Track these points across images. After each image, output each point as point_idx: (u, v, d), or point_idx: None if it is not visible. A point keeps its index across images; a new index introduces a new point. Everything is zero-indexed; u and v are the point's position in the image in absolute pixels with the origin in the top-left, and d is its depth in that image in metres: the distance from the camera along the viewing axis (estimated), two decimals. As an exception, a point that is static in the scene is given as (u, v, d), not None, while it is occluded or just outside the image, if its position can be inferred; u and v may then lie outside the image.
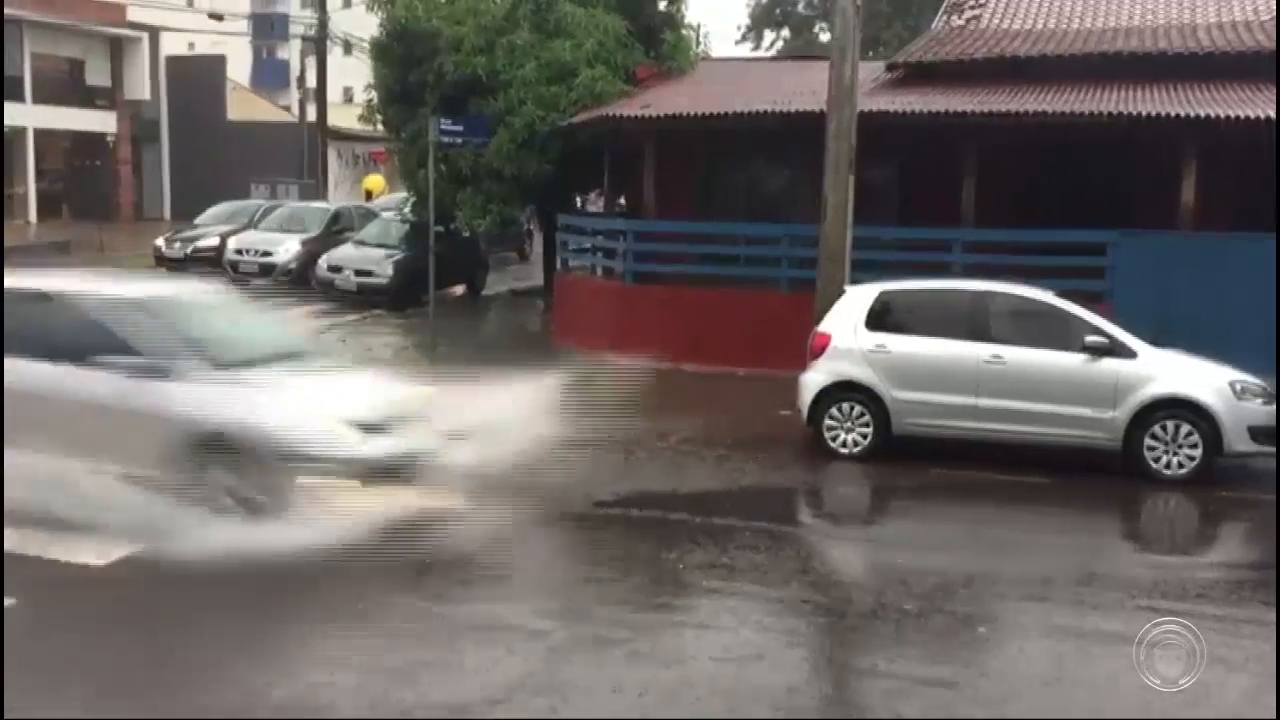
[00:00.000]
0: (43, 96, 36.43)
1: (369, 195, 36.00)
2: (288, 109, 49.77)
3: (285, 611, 6.74)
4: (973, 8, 19.05)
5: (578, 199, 22.14)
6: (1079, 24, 17.92)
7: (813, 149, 12.82)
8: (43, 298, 8.48)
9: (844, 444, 10.78)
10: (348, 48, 33.16)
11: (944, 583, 7.48)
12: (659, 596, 7.27)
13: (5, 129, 34.35)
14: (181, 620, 6.47)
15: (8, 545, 7.25)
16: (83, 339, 8.05)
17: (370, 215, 24.93)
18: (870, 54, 24.10)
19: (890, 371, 10.71)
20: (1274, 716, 5.72)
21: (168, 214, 39.76)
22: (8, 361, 8.03)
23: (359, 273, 20.96)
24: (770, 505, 9.59)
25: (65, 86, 38.10)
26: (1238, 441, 10.10)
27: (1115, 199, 14.87)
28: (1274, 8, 16.85)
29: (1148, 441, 10.15)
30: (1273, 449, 10.14)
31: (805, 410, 10.98)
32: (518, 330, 20.01)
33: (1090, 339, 10.36)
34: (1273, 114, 13.10)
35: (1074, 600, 7.24)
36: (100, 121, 39.20)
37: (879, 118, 13.77)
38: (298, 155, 36.98)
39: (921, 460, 10.55)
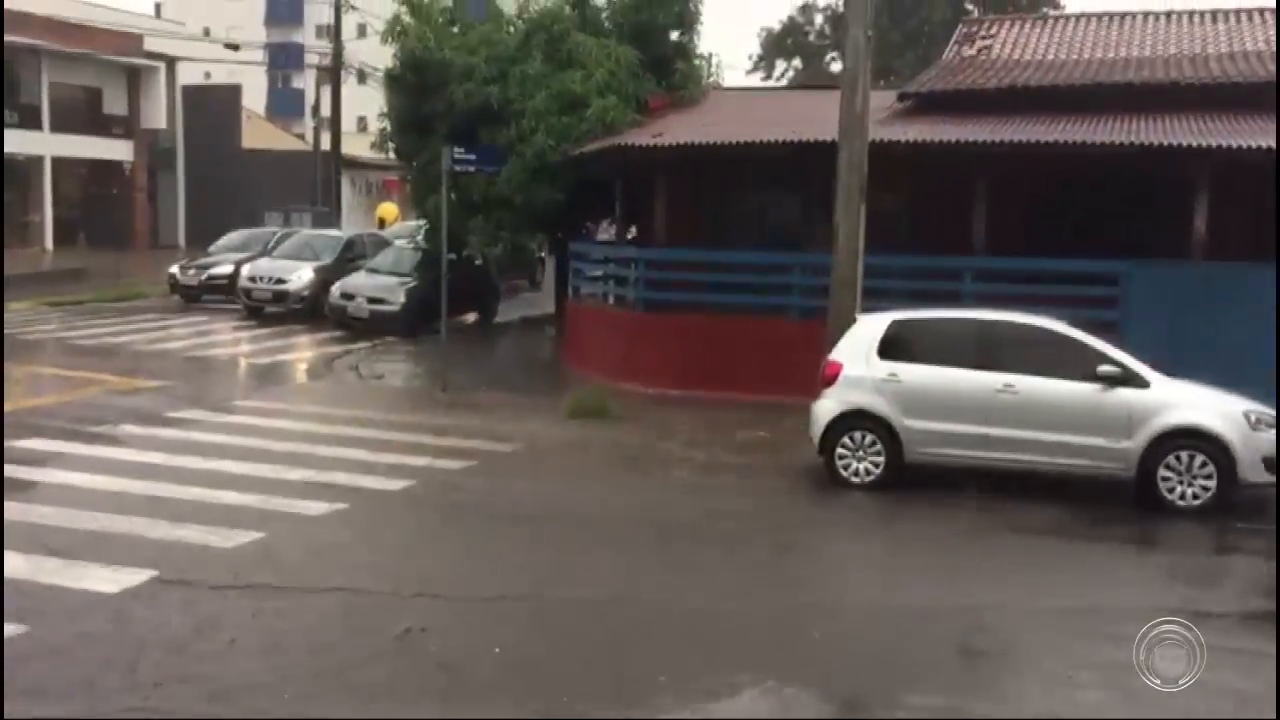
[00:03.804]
0: (60, 125, 36.77)
1: (382, 223, 36.18)
2: (302, 137, 50.15)
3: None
4: (984, 38, 19.12)
5: (588, 227, 22.18)
6: (1090, 54, 17.93)
7: (824, 178, 12.84)
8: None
9: (855, 473, 10.74)
10: (362, 77, 33.39)
11: (957, 613, 7.45)
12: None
13: (23, 157, 34.66)
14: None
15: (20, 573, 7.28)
16: None
17: (383, 243, 25.03)
18: (882, 84, 24.24)
19: (902, 400, 10.67)
20: (1274, 717, 5.68)
21: (182, 242, 39.99)
22: None
23: (371, 300, 21.04)
24: (781, 535, 9.55)
25: (83, 115, 38.44)
26: (1252, 472, 10.04)
27: (1127, 229, 14.86)
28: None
29: (1162, 472, 10.09)
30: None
31: (817, 439, 10.95)
32: (529, 358, 20.03)
33: (1103, 368, 10.31)
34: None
35: (1086, 631, 7.18)
36: (117, 150, 39.50)
37: (890, 147, 13.79)
38: (312, 183, 37.21)
39: (933, 489, 10.52)
